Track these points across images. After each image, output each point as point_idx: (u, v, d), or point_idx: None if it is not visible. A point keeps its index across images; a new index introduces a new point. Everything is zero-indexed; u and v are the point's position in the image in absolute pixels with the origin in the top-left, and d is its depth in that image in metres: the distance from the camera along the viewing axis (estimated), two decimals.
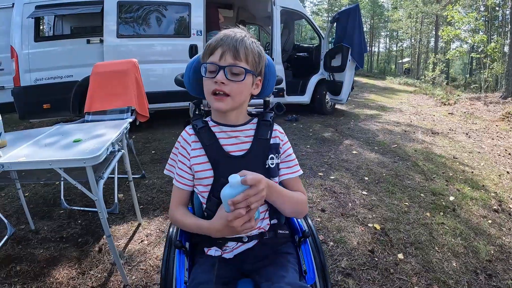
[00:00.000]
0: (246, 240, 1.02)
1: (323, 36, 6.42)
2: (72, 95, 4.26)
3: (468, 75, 22.74)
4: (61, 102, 4.26)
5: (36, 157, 1.39)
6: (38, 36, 4.19)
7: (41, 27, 4.80)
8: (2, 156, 1.41)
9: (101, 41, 4.35)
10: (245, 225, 0.83)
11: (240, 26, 1.00)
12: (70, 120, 4.21)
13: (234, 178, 0.80)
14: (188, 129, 1.05)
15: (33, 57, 4.08)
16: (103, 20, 4.36)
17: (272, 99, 1.19)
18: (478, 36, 13.22)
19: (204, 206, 1.03)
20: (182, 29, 4.92)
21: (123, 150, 2.01)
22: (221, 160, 0.98)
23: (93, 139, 1.64)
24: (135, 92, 2.95)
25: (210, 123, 1.04)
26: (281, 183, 1.05)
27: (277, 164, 1.03)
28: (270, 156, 1.01)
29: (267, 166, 1.00)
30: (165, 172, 1.09)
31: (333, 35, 6.32)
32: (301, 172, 1.08)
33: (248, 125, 1.05)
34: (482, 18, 14.94)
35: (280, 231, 1.07)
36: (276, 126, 1.07)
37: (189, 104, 1.17)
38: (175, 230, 1.15)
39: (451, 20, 14.31)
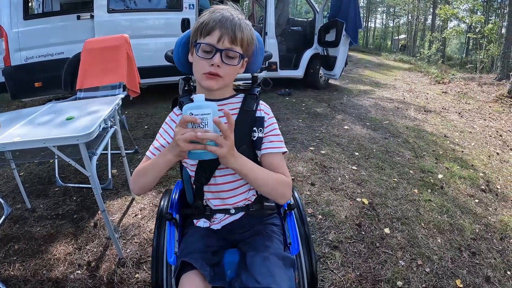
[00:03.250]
0: (233, 212, 1.07)
1: (318, 11, 6.33)
2: (63, 72, 4.20)
3: (464, 55, 22.56)
4: (53, 80, 4.20)
5: (30, 136, 1.41)
6: (27, 14, 4.08)
7: (30, 4, 4.67)
8: None
9: (92, 16, 4.25)
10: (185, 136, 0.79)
11: (232, 3, 1.00)
12: (63, 98, 4.20)
13: (201, 97, 0.81)
14: (176, 109, 1.08)
15: (23, 36, 3.99)
16: None
17: (262, 75, 1.20)
18: (475, 17, 13.07)
19: (193, 179, 1.07)
20: (174, 3, 4.82)
21: (115, 127, 2.03)
22: None
23: (86, 116, 1.66)
24: (126, 67, 2.94)
25: None
26: (262, 161, 1.02)
27: (260, 138, 1.02)
28: (253, 129, 1.01)
29: (253, 138, 1.02)
30: (148, 154, 1.02)
31: (328, 10, 6.22)
32: (284, 150, 1.03)
33: (233, 99, 1.06)
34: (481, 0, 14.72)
35: (266, 203, 1.11)
36: (262, 102, 1.08)
37: (179, 79, 1.19)
38: (165, 203, 1.21)
39: None
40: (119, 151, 2.36)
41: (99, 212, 2.24)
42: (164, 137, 1.02)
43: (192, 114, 0.78)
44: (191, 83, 1.18)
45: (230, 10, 0.95)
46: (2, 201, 1.99)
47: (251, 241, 1.02)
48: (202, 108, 0.78)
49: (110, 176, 2.46)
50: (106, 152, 2.45)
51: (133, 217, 2.24)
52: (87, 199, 2.45)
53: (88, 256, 1.88)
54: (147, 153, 1.02)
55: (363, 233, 2.18)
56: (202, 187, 1.05)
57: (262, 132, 1.02)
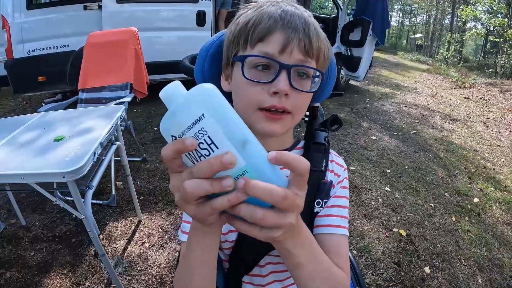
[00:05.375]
0: None
1: (341, 7, 5.93)
2: (68, 66, 3.90)
3: (481, 57, 21.86)
4: (57, 74, 3.90)
5: (7, 168, 1.13)
6: (31, 4, 3.77)
7: None
8: None
9: (99, 7, 3.93)
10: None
11: None
12: (70, 92, 3.93)
13: (174, 88, 0.40)
14: None
15: (26, 27, 3.68)
16: None
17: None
18: (498, 20, 12.53)
19: (226, 265, 0.73)
20: None
21: (118, 142, 1.72)
22: None
23: (78, 137, 1.35)
24: (133, 65, 2.63)
25: None
26: None
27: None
28: (317, 201, 0.66)
29: (315, 211, 0.66)
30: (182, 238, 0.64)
31: (352, 7, 5.83)
32: (346, 232, 0.64)
33: (296, 150, 0.71)
34: (504, 1, 14.10)
35: None
36: (333, 154, 0.72)
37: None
38: None
39: None
40: (127, 159, 2.05)
41: (100, 238, 1.96)
42: None
43: (175, 137, 0.38)
44: None
45: (289, 2, 0.58)
46: None
47: None
48: (180, 113, 0.37)
49: (113, 192, 2.17)
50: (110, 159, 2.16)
51: (139, 246, 1.95)
52: None
53: None
54: (181, 237, 0.64)
55: (402, 273, 1.91)
56: (240, 277, 0.71)
57: (324, 206, 0.66)
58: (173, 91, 0.39)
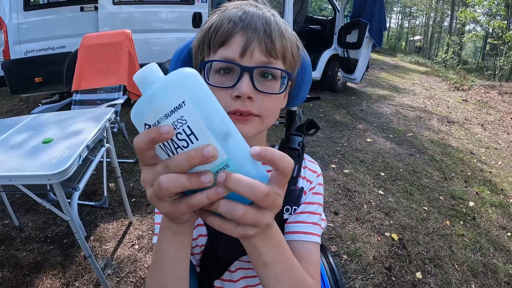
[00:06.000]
0: None
1: (339, 9, 5.93)
2: (65, 67, 3.91)
3: (480, 59, 21.88)
4: (54, 75, 3.91)
5: None
6: (28, 5, 3.79)
7: None
8: None
9: (96, 8, 3.94)
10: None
11: None
12: (67, 93, 3.91)
13: (150, 70, 0.36)
14: None
15: (23, 28, 3.70)
16: None
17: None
18: (497, 22, 12.54)
19: (198, 269, 0.71)
20: None
21: (107, 145, 1.73)
22: None
23: (66, 139, 1.36)
24: (127, 67, 2.64)
25: None
26: None
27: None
28: (286, 207, 0.64)
29: (284, 217, 0.65)
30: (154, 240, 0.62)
31: (349, 9, 5.83)
32: (318, 239, 0.63)
33: None
34: (503, 3, 14.11)
35: None
36: (307, 160, 0.71)
37: None
38: None
39: (469, 1, 13.54)
40: (120, 160, 2.07)
41: (91, 239, 1.96)
42: None
43: (148, 125, 0.34)
44: None
45: (254, 3, 0.57)
46: None
47: None
48: (159, 99, 0.33)
49: (105, 194, 2.16)
50: (102, 160, 2.16)
51: (129, 247, 1.95)
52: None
53: None
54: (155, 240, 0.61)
55: (393, 279, 1.90)
56: (212, 281, 0.70)
57: (294, 212, 0.65)
58: (148, 74, 0.34)
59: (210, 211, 0.37)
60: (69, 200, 1.26)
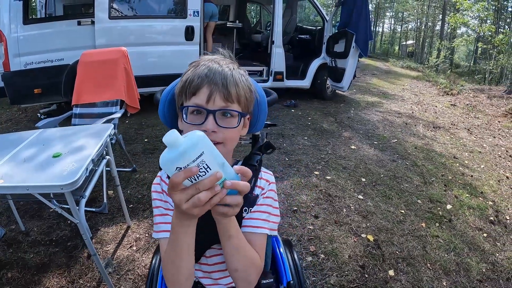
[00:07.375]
0: None
1: (327, 19, 6.16)
2: (63, 79, 4.10)
3: (472, 63, 22.27)
4: (53, 87, 4.10)
5: (14, 180, 1.33)
6: (27, 18, 3.97)
7: (33, 4, 4.53)
8: None
9: (93, 22, 4.13)
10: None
11: (221, 49, 0.85)
12: (65, 103, 4.07)
13: (173, 136, 0.56)
14: (161, 173, 0.91)
15: (23, 41, 3.88)
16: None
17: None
18: (486, 26, 12.87)
19: None
20: (178, 10, 4.69)
21: (108, 157, 1.93)
22: None
23: (73, 154, 1.56)
24: (124, 83, 2.84)
25: None
26: None
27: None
28: (244, 208, 0.84)
29: (242, 215, 0.85)
30: (156, 236, 0.85)
31: (337, 19, 6.07)
32: (266, 231, 0.84)
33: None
34: (492, 8, 14.47)
35: (264, 281, 0.98)
36: (263, 172, 0.91)
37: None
38: (157, 263, 1.15)
39: (459, 7, 13.86)
40: (118, 169, 2.26)
41: (93, 241, 2.14)
42: (167, 214, 0.85)
43: (179, 168, 0.56)
44: None
45: (218, 60, 0.79)
46: None
47: None
48: (188, 153, 0.55)
49: (105, 200, 2.35)
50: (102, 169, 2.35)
51: (128, 249, 2.14)
52: None
53: None
54: (155, 235, 0.85)
55: (367, 276, 2.06)
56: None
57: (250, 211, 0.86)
58: (175, 139, 0.56)
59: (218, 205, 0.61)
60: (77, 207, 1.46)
